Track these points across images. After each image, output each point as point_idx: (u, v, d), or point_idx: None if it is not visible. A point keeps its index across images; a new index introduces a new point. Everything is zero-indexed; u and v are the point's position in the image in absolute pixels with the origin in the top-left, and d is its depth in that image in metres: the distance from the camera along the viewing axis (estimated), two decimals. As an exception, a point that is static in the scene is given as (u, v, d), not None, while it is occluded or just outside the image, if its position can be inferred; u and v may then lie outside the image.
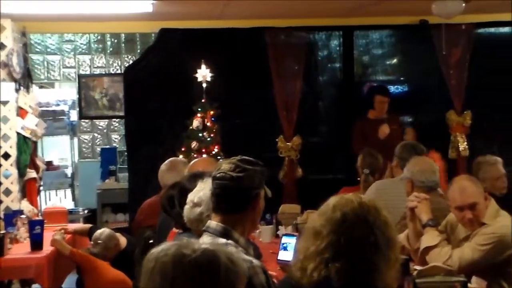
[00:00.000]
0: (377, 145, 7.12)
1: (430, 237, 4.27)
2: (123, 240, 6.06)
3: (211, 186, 3.01)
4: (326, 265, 2.37)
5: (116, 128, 9.50)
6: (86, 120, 9.47)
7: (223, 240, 2.85)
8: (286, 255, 4.63)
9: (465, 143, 9.02)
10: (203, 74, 7.77)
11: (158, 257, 1.88)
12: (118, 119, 9.41)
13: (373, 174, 6.30)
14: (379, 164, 6.39)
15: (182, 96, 8.40)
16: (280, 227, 6.14)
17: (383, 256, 2.38)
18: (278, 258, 4.69)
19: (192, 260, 1.84)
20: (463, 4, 6.88)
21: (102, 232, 5.99)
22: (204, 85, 7.78)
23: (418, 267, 3.95)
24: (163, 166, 5.76)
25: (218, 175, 2.95)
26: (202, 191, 3.32)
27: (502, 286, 4.03)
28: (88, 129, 9.51)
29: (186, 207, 3.39)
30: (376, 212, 2.44)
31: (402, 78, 9.96)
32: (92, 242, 6.02)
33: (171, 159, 5.96)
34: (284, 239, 4.81)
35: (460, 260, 4.09)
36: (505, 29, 9.60)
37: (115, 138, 9.51)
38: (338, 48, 9.55)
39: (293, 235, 4.87)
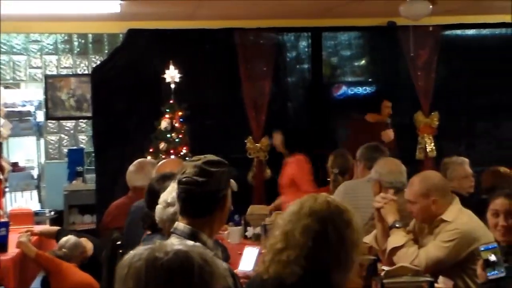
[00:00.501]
0: None
1: (396, 238, 4.29)
2: (89, 247, 5.98)
3: (177, 189, 2.98)
4: (280, 260, 2.42)
5: (83, 129, 9.42)
6: (53, 121, 9.37)
7: (190, 242, 2.81)
8: (246, 266, 4.62)
9: (433, 144, 9.09)
10: (172, 74, 7.74)
11: (132, 262, 1.85)
12: (85, 120, 9.33)
13: (342, 174, 6.33)
14: (349, 165, 6.42)
15: (150, 97, 8.36)
16: (248, 228, 6.13)
17: (336, 256, 2.41)
18: (239, 268, 4.64)
19: (164, 263, 1.81)
20: (430, 6, 6.93)
21: (68, 240, 5.90)
22: (173, 85, 7.74)
23: (385, 268, 3.96)
24: (131, 167, 5.72)
25: (184, 179, 2.90)
26: (175, 191, 3.29)
27: (468, 285, 4.06)
28: (55, 130, 9.41)
29: (159, 207, 3.35)
30: (337, 211, 2.46)
31: (370, 80, 10.01)
32: (57, 248, 5.95)
33: (139, 160, 5.92)
34: (247, 251, 4.80)
35: (426, 259, 4.12)
36: (472, 31, 9.70)
37: (82, 139, 9.43)
38: (306, 49, 9.58)
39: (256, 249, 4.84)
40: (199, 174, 2.88)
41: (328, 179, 6.49)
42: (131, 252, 1.90)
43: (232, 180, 2.99)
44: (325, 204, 2.47)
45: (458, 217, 4.21)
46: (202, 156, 2.96)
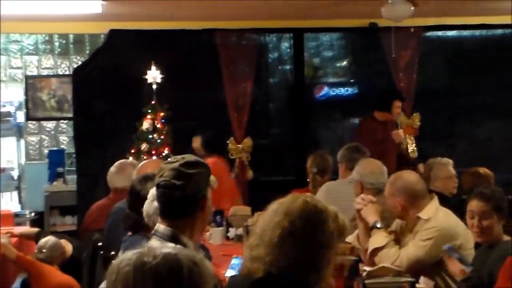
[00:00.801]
0: (383, 147, 7.25)
1: (378, 238, 4.31)
2: (69, 248, 5.95)
3: (155, 192, 2.96)
4: (252, 256, 2.45)
5: (64, 130, 9.37)
6: (33, 122, 9.31)
7: (171, 245, 2.80)
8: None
9: (414, 144, 9.11)
10: (153, 75, 7.72)
11: (120, 267, 1.82)
12: (66, 121, 9.27)
13: (321, 174, 6.35)
14: (328, 165, 6.45)
15: (132, 98, 8.33)
16: (230, 229, 6.13)
17: (304, 255, 2.41)
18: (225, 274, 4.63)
19: (153, 267, 1.79)
20: (412, 8, 6.95)
21: (47, 241, 5.86)
22: (154, 86, 7.73)
23: (367, 268, 3.97)
24: (112, 169, 5.70)
25: (162, 183, 2.88)
26: None
27: (448, 284, 4.08)
28: (35, 131, 9.35)
29: (147, 202, 3.34)
30: (312, 211, 2.46)
31: (352, 81, 10.03)
32: (37, 250, 5.91)
33: (120, 161, 5.89)
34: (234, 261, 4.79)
35: (407, 259, 4.15)
36: (453, 33, 9.75)
37: (63, 140, 9.37)
38: (288, 51, 9.59)
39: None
40: (177, 177, 2.85)
41: (308, 180, 6.50)
42: (119, 257, 1.88)
43: (212, 177, 2.97)
44: (302, 204, 2.48)
45: (435, 215, 4.27)
46: (180, 157, 2.93)
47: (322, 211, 2.48)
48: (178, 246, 2.81)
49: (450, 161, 6.15)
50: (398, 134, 7.84)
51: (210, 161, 7.29)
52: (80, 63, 9.11)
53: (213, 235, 5.98)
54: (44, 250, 5.73)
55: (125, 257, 1.84)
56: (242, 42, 9.02)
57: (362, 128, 8.16)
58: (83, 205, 7.30)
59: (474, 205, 3.95)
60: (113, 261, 1.88)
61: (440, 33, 9.66)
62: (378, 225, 4.35)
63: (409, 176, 4.50)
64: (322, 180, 6.25)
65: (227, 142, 8.90)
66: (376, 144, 7.43)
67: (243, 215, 6.33)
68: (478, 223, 3.90)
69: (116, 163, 5.77)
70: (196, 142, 7.91)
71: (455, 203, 5.10)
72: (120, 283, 1.80)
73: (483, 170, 6.16)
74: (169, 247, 1.88)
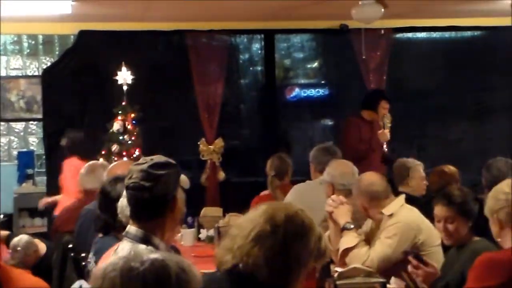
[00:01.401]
0: (368, 147, 7.28)
1: (348, 239, 4.34)
2: (42, 246, 5.92)
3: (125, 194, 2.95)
4: (226, 246, 2.47)
5: (33, 131, 9.28)
6: (2, 123, 9.21)
7: (143, 246, 2.79)
8: None
9: (385, 145, 9.15)
10: (124, 76, 7.69)
11: (106, 273, 1.79)
12: (35, 122, 9.19)
13: (279, 177, 6.36)
14: (287, 167, 6.47)
15: (102, 99, 8.30)
16: (202, 230, 6.12)
17: (273, 261, 2.39)
18: None
19: (140, 273, 1.76)
20: (382, 10, 6.99)
21: (20, 239, 5.82)
22: (125, 87, 7.69)
23: (338, 269, 3.99)
24: (82, 170, 5.68)
25: (131, 184, 2.86)
26: None
27: (416, 284, 4.11)
28: (4, 132, 9.25)
29: (121, 199, 3.33)
30: (296, 223, 2.44)
31: (323, 82, 10.07)
32: (10, 250, 5.85)
33: (90, 162, 5.88)
34: None
35: (377, 258, 4.18)
36: (422, 34, 9.83)
37: (33, 141, 9.29)
38: (259, 52, 9.60)
39: None
40: (146, 178, 2.83)
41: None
42: (104, 262, 1.85)
43: (183, 177, 2.96)
44: (292, 213, 2.46)
45: (398, 211, 4.33)
46: (149, 159, 2.91)
47: (308, 228, 2.46)
48: (150, 247, 2.81)
49: (420, 162, 6.20)
50: (384, 134, 7.88)
51: (66, 161, 7.57)
52: (49, 63, 9.04)
53: (184, 237, 5.97)
54: (18, 248, 5.69)
55: (111, 262, 1.82)
56: (212, 43, 9.01)
57: (348, 125, 8.19)
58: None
59: (438, 209, 4.00)
60: (93, 267, 1.86)
61: (410, 34, 9.73)
62: (349, 226, 4.38)
63: (369, 177, 4.54)
64: (281, 183, 6.27)
65: (198, 143, 8.88)
66: (361, 142, 7.47)
67: (214, 216, 6.33)
68: (443, 227, 3.95)
69: (87, 165, 5.75)
70: (63, 141, 7.93)
71: (423, 203, 5.14)
72: None
73: (447, 168, 6.21)
74: (157, 253, 1.85)
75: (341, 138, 8.16)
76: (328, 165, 5.13)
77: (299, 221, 2.46)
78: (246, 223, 2.47)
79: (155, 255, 1.82)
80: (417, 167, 6.10)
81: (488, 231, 3.50)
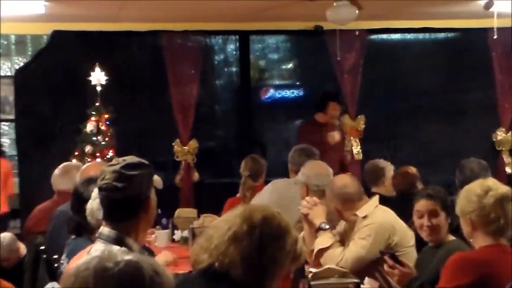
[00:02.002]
0: (323, 149, 7.27)
1: (323, 239, 4.34)
2: (22, 247, 5.89)
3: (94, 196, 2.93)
4: (203, 245, 2.47)
5: (5, 132, 9.20)
6: (-26, 124, 9.14)
7: (116, 247, 2.78)
8: None
9: (359, 147, 9.20)
10: (97, 77, 7.66)
11: (79, 271, 1.76)
12: (8, 123, 9.12)
13: (254, 178, 6.36)
14: (261, 168, 6.48)
15: (75, 99, 8.24)
16: (176, 231, 6.10)
17: (249, 262, 2.39)
18: None
19: (115, 274, 1.74)
20: (356, 11, 7.02)
21: (4, 237, 5.80)
22: (99, 88, 7.67)
23: (313, 270, 3.99)
24: (56, 171, 5.65)
25: (103, 185, 2.84)
26: None
27: (390, 284, 4.13)
28: (-24, 133, 9.18)
29: (91, 200, 3.32)
30: (273, 227, 2.45)
31: (297, 83, 10.08)
32: None
33: (65, 163, 5.85)
34: None
35: (351, 259, 4.19)
36: (396, 36, 9.88)
37: (5, 142, 9.21)
38: (234, 53, 9.59)
39: None
40: (119, 179, 2.82)
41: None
42: (77, 262, 1.83)
43: (156, 177, 2.95)
44: (269, 214, 2.48)
45: (372, 212, 4.35)
46: (121, 159, 2.90)
47: (285, 230, 2.47)
48: (123, 248, 2.80)
49: (389, 163, 6.25)
50: (332, 136, 7.90)
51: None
52: (22, 64, 8.98)
53: (159, 238, 5.94)
54: (4, 245, 5.65)
55: (85, 260, 1.79)
56: (187, 43, 8.98)
57: (299, 131, 8.31)
58: (26, 208, 7.19)
59: (422, 204, 4.02)
60: (64, 267, 1.84)
61: (384, 36, 9.78)
62: (325, 226, 4.38)
63: (341, 180, 4.56)
64: (254, 184, 6.27)
65: (173, 144, 8.86)
66: (314, 146, 7.45)
67: (188, 217, 6.31)
68: (427, 222, 3.97)
69: (61, 166, 5.72)
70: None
71: (398, 203, 5.17)
72: (78, 287, 1.75)
73: (410, 169, 6.26)
74: (131, 254, 1.83)
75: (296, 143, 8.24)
76: (304, 165, 5.15)
77: (276, 223, 2.47)
78: (223, 223, 2.48)
79: (129, 256, 1.80)
80: (389, 167, 6.15)
81: (460, 230, 3.53)
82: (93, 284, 1.73)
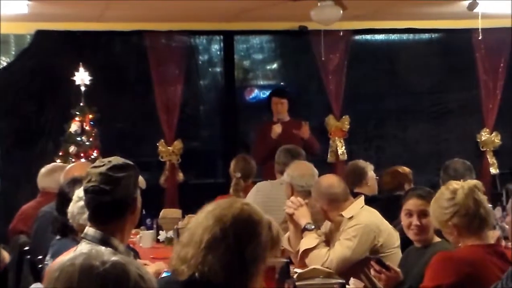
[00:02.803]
0: (273, 146, 7.27)
1: (308, 240, 4.35)
2: (6, 255, 5.83)
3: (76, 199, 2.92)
4: (180, 256, 2.44)
5: (-11, 132, 9.14)
6: (-44, 124, 9.06)
7: (102, 248, 2.76)
8: None
9: (344, 147, 9.21)
10: (82, 77, 7.63)
11: (64, 266, 1.74)
12: (-9, 123, 9.06)
13: (245, 179, 6.36)
14: (252, 169, 6.48)
15: (59, 100, 8.21)
16: (161, 232, 6.08)
17: (229, 264, 2.36)
18: None
19: (101, 273, 1.72)
20: (341, 11, 7.03)
21: None
22: (83, 88, 7.64)
23: (298, 270, 4.00)
24: (42, 171, 5.66)
25: (90, 188, 2.83)
26: None
27: (374, 284, 4.14)
28: (-42, 133, 9.10)
29: (72, 202, 3.30)
30: (247, 221, 2.42)
31: (282, 83, 10.08)
32: None
33: (52, 164, 5.85)
34: None
35: (336, 260, 4.19)
36: (381, 36, 9.90)
37: (-12, 143, 9.15)
38: (219, 53, 9.58)
39: None
40: (105, 181, 2.80)
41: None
42: (63, 257, 1.81)
43: (140, 178, 2.94)
44: (237, 212, 2.42)
45: (358, 213, 4.35)
46: (107, 161, 2.87)
47: (257, 222, 2.43)
48: (109, 248, 2.78)
49: (369, 163, 6.26)
50: (274, 129, 7.88)
51: None
52: (5, 63, 8.92)
53: (143, 238, 5.93)
54: None
55: (71, 256, 1.78)
56: (171, 43, 8.96)
57: (256, 131, 8.35)
58: (7, 208, 7.15)
59: (412, 203, 4.01)
60: (48, 264, 1.83)
61: (368, 36, 9.79)
62: (310, 227, 4.39)
63: (327, 180, 4.56)
64: (245, 185, 6.26)
65: (157, 144, 8.83)
66: (268, 144, 7.43)
67: (173, 218, 6.30)
68: (417, 221, 3.96)
69: (47, 166, 5.72)
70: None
71: (384, 203, 5.18)
72: (62, 283, 1.72)
73: (401, 168, 6.27)
74: (118, 255, 1.81)
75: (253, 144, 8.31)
76: (289, 166, 5.15)
77: (245, 217, 2.42)
78: (196, 229, 2.43)
79: (116, 258, 1.78)
80: (369, 167, 6.17)
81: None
82: (77, 281, 1.71)
